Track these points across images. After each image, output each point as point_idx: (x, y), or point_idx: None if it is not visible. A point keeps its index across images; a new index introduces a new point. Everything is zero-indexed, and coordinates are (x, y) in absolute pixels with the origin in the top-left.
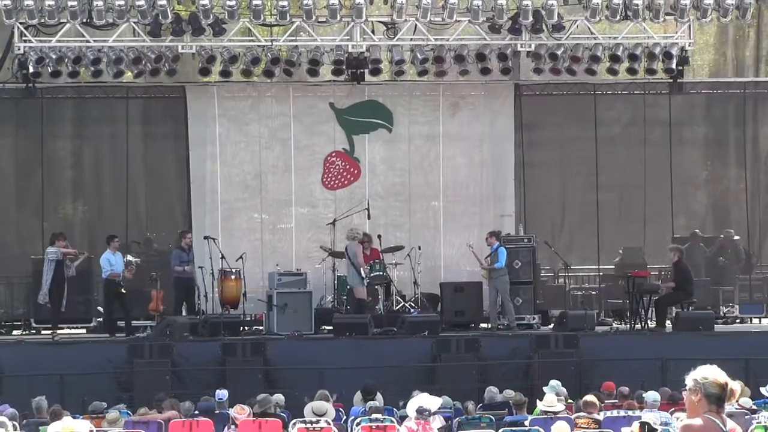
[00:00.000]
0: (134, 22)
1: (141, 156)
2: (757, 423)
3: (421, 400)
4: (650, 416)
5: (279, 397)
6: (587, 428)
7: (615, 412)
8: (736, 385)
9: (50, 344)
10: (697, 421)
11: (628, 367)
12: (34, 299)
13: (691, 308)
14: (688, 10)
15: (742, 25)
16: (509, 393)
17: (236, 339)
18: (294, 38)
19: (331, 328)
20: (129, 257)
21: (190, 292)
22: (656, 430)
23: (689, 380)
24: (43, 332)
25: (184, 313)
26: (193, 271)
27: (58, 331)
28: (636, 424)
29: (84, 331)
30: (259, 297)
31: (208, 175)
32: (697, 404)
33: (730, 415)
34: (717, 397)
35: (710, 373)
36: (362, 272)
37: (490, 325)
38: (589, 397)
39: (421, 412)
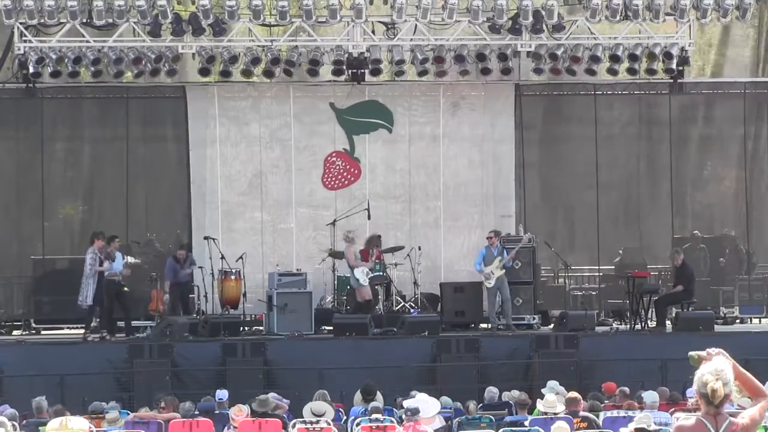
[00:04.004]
0: (134, 23)
1: (141, 156)
2: None
3: (418, 401)
4: (644, 418)
5: (275, 396)
6: (576, 428)
7: (615, 413)
8: (716, 385)
9: (50, 344)
10: (688, 422)
11: (628, 367)
12: (35, 299)
13: (691, 308)
14: (688, 10)
15: (742, 25)
16: (514, 393)
17: (236, 339)
18: (294, 38)
19: (332, 328)
20: (129, 258)
21: (185, 295)
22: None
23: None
24: (43, 332)
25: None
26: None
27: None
28: (631, 429)
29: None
30: (259, 297)
31: (208, 175)
32: (699, 404)
33: (733, 415)
34: (707, 397)
35: (704, 371)
36: (356, 273)
37: (490, 325)
38: (572, 394)
39: (409, 413)
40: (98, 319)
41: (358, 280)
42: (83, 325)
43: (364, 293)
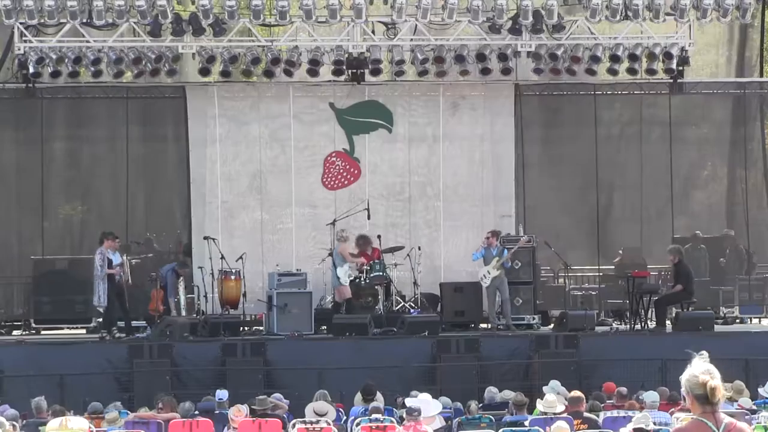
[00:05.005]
0: (134, 22)
1: (141, 156)
2: (757, 423)
3: (419, 400)
4: (642, 418)
5: (278, 396)
6: (576, 429)
7: (615, 413)
8: (715, 383)
9: (50, 344)
10: (687, 424)
11: (628, 367)
12: (35, 299)
13: (691, 308)
14: (688, 10)
15: (742, 25)
16: (508, 393)
17: (236, 339)
18: (294, 38)
19: (331, 328)
20: (127, 259)
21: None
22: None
23: (682, 381)
24: (43, 332)
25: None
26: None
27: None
28: (630, 429)
29: (84, 331)
30: (259, 297)
31: (208, 175)
32: (691, 406)
33: (731, 415)
34: (704, 398)
35: (694, 371)
36: (338, 272)
37: (490, 325)
38: (576, 393)
39: (411, 413)
40: (99, 320)
41: (339, 278)
42: (104, 328)
43: (344, 292)
